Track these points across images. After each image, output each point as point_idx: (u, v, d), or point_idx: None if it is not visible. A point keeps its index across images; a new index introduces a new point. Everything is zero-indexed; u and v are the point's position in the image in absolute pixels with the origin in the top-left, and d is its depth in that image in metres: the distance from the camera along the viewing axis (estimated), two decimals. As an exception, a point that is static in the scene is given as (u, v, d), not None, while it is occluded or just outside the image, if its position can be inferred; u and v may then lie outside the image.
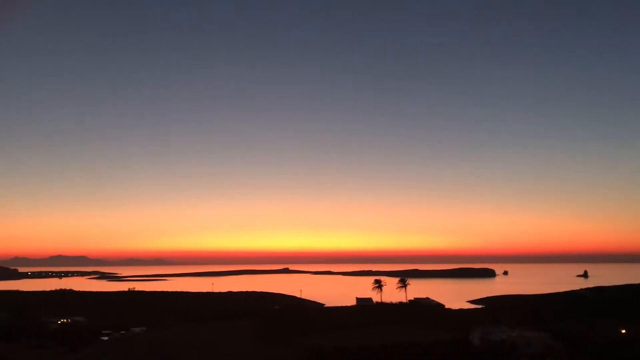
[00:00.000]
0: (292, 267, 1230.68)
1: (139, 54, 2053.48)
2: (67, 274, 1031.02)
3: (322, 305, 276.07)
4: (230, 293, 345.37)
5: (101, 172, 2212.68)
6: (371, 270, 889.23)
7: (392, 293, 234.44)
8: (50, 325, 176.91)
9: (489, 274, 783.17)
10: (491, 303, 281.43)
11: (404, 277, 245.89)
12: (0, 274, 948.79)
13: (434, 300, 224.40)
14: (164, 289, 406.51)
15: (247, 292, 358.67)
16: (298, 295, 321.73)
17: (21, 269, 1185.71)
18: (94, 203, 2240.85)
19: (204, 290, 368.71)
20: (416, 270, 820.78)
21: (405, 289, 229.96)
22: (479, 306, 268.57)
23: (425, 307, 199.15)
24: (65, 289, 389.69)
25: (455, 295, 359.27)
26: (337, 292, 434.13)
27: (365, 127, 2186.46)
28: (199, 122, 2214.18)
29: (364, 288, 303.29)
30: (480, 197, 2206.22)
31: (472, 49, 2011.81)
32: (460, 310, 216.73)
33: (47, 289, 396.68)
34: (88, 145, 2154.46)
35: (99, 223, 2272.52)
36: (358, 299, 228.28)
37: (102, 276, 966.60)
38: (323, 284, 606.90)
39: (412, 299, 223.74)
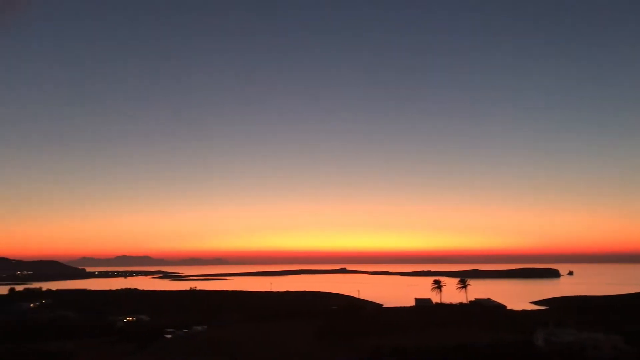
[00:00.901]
0: (349, 267, 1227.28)
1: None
2: (131, 274, 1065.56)
3: (380, 305, 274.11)
4: (288, 293, 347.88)
5: (164, 176, 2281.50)
6: (430, 271, 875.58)
7: (452, 294, 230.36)
8: (117, 323, 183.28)
9: (553, 274, 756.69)
10: (556, 304, 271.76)
11: (463, 278, 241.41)
12: (70, 274, 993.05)
13: (495, 301, 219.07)
14: (224, 288, 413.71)
15: (304, 291, 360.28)
16: (356, 296, 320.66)
17: (89, 269, 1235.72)
18: (156, 205, 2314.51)
19: (263, 290, 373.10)
20: (476, 270, 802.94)
21: (466, 289, 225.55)
22: (543, 307, 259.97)
23: (486, 308, 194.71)
24: (130, 288, 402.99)
25: (517, 296, 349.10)
26: (396, 292, 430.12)
27: (422, 128, 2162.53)
28: (259, 125, 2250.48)
29: (423, 288, 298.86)
30: (544, 196, 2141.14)
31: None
32: (523, 311, 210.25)
33: (113, 288, 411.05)
34: (152, 151, 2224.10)
35: (162, 224, 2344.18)
36: (417, 300, 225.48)
37: (165, 275, 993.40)
38: (381, 284, 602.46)
39: (473, 299, 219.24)
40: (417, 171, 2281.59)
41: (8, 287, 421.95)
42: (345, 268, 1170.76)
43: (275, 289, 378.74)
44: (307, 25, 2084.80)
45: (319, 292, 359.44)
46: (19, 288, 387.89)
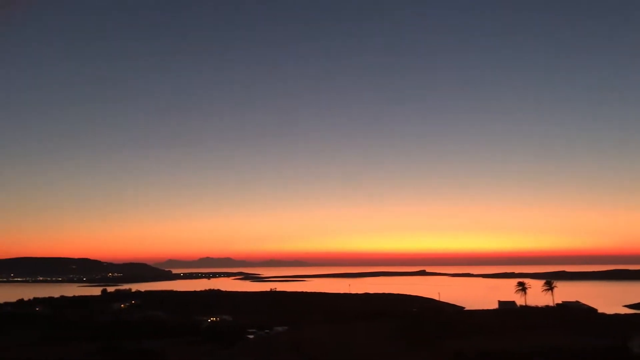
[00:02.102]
0: (429, 269, 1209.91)
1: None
2: (214, 275, 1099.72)
3: (461, 308, 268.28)
4: (367, 295, 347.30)
5: (245, 179, 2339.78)
6: (514, 273, 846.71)
7: (537, 296, 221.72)
8: (202, 323, 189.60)
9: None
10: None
11: (550, 280, 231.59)
12: (157, 275, 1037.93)
13: (584, 304, 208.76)
14: (303, 290, 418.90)
15: (383, 293, 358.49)
16: (436, 298, 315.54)
17: (174, 270, 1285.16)
18: (238, 208, 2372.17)
19: (342, 292, 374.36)
20: (563, 272, 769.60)
21: (552, 291, 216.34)
22: (639, 311, 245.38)
23: (574, 311, 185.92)
24: (213, 289, 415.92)
25: (609, 299, 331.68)
26: (478, 294, 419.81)
27: (502, 127, 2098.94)
28: (341, 128, 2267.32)
29: (506, 291, 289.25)
30: (636, 193, 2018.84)
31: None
32: (616, 315, 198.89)
33: (198, 289, 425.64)
34: (233, 155, 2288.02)
35: (243, 226, 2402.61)
36: (500, 302, 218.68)
37: (246, 277, 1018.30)
38: (462, 287, 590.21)
39: (560, 302, 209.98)
40: (499, 171, 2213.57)
41: (100, 288, 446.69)
42: (424, 270, 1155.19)
43: (354, 291, 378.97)
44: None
45: (398, 294, 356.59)
46: (111, 289, 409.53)
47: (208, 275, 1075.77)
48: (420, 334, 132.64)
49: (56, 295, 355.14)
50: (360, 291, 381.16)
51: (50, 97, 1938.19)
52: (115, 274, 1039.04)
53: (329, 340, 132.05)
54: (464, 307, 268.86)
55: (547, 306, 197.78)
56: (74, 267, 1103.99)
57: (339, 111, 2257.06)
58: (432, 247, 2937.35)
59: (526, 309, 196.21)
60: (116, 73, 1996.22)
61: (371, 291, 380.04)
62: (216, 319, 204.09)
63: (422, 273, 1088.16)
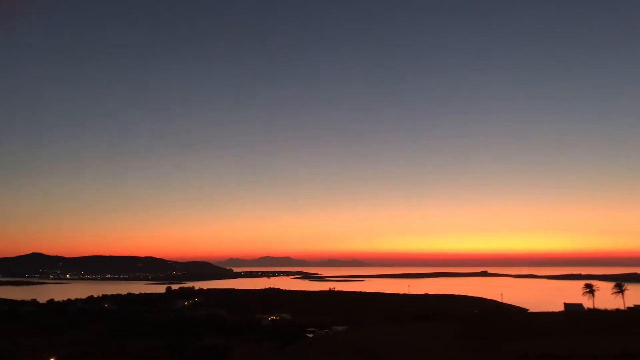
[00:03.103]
0: (491, 270, 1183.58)
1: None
2: (274, 274, 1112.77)
3: (525, 310, 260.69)
4: (427, 295, 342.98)
5: (304, 180, 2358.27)
6: (580, 274, 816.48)
7: (606, 299, 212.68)
8: (262, 321, 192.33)
9: None
10: None
11: (620, 282, 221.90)
12: (219, 274, 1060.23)
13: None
14: (362, 290, 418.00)
15: (444, 295, 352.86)
16: (499, 299, 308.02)
17: (235, 269, 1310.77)
18: (297, 208, 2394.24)
19: (401, 292, 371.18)
20: (635, 274, 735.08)
21: (623, 294, 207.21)
22: None
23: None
24: (273, 288, 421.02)
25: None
26: (542, 296, 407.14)
27: (569, 128, 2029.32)
28: (402, 126, 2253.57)
29: (572, 293, 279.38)
30: None
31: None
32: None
33: (258, 287, 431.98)
34: (294, 156, 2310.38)
35: (302, 226, 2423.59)
36: (566, 305, 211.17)
37: (305, 276, 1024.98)
38: (526, 288, 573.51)
39: (632, 305, 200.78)
40: (566, 171, 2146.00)
41: (165, 286, 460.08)
42: (486, 271, 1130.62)
43: (413, 292, 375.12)
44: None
45: (459, 295, 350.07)
46: (175, 287, 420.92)
47: (268, 274, 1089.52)
48: (482, 336, 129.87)
49: (123, 292, 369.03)
50: (420, 292, 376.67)
51: (129, 101, 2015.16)
52: (179, 272, 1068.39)
53: (389, 340, 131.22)
54: (528, 309, 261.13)
55: (617, 310, 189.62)
56: (140, 265, 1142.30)
57: (399, 114, 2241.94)
58: (494, 247, 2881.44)
59: (594, 312, 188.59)
60: (185, 74, 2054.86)
61: (431, 292, 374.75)
62: (276, 317, 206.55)
63: (484, 274, 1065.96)
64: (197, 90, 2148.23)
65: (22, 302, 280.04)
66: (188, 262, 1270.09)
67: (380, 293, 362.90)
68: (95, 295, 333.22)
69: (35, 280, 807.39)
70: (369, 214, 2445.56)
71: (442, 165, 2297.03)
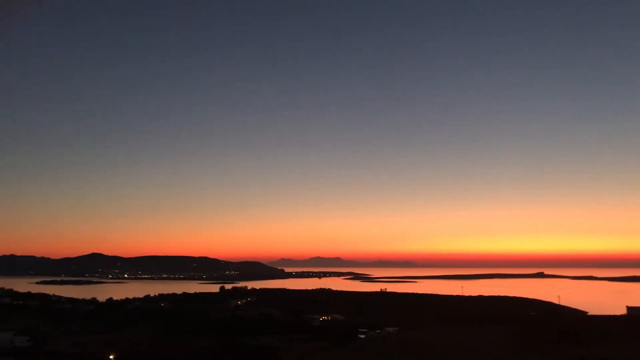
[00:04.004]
0: (547, 271, 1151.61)
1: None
2: (325, 274, 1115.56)
3: (584, 313, 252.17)
4: (480, 297, 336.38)
5: (352, 181, 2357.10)
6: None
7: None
8: (313, 321, 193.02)
9: None
10: None
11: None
12: (270, 274, 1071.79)
13: None
14: (414, 291, 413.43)
15: (498, 296, 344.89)
16: (556, 301, 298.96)
17: (286, 269, 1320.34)
18: (348, 209, 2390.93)
19: (454, 294, 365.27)
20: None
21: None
22: None
23: None
24: (324, 288, 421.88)
25: None
26: (602, 299, 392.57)
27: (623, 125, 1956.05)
28: (454, 125, 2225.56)
29: (636, 296, 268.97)
30: None
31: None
32: None
33: (309, 287, 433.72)
34: (343, 156, 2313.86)
35: (352, 227, 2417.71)
36: (629, 308, 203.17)
37: (356, 277, 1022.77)
38: (585, 290, 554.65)
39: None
40: (627, 171, 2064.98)
41: (219, 285, 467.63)
42: (542, 272, 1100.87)
43: (466, 293, 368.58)
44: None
45: (514, 297, 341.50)
46: (228, 286, 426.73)
47: (319, 275, 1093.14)
48: (538, 340, 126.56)
49: (179, 291, 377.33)
50: (474, 293, 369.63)
51: (182, 101, 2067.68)
52: (232, 272, 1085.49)
53: (441, 342, 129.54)
54: (587, 312, 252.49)
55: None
56: (194, 265, 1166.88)
57: (449, 113, 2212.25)
58: (551, 248, 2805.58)
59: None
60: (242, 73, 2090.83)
61: (485, 294, 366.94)
62: (327, 317, 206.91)
63: (540, 275, 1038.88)
64: (251, 92, 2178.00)
65: (83, 301, 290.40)
66: (241, 262, 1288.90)
67: (432, 294, 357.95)
68: (151, 295, 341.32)
69: (95, 279, 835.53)
70: (421, 214, 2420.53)
71: (497, 164, 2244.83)
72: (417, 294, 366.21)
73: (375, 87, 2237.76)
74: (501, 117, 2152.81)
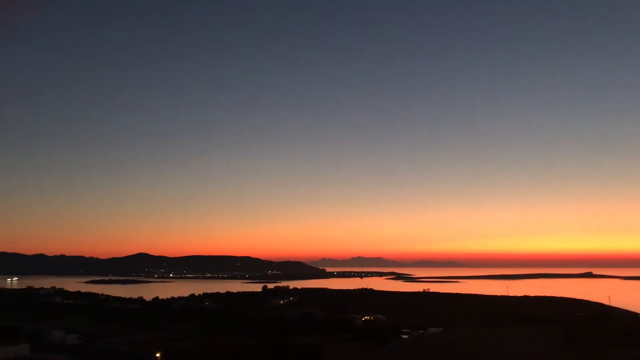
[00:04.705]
0: (596, 271, 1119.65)
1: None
2: (366, 274, 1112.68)
3: (637, 314, 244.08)
4: (526, 297, 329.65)
5: (398, 181, 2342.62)
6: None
7: None
8: (355, 321, 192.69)
9: None
10: None
11: None
12: (312, 274, 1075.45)
13: None
14: (457, 291, 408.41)
15: (545, 297, 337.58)
16: (606, 302, 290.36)
17: (328, 269, 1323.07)
18: (389, 208, 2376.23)
19: (498, 294, 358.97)
20: None
21: None
22: None
23: None
24: (366, 288, 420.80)
25: None
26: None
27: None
28: (496, 125, 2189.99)
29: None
30: None
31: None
32: None
33: (351, 287, 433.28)
34: (385, 156, 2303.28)
35: (394, 227, 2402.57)
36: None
37: (398, 277, 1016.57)
38: (637, 291, 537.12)
39: None
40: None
41: (261, 284, 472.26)
42: (591, 272, 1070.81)
43: (511, 293, 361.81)
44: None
45: (561, 297, 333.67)
46: (270, 286, 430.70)
47: (360, 275, 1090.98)
48: (587, 342, 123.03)
49: (222, 290, 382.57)
50: (519, 294, 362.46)
51: (218, 99, 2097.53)
52: (274, 272, 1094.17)
53: (486, 343, 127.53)
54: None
55: None
56: (237, 264, 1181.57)
57: (492, 113, 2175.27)
58: (599, 247, 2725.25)
59: None
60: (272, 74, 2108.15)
61: (531, 294, 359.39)
62: (370, 317, 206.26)
63: (589, 275, 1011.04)
64: (292, 88, 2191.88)
65: (130, 300, 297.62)
66: (282, 262, 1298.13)
67: (476, 294, 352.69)
68: (196, 294, 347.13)
69: (142, 279, 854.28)
70: (464, 213, 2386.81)
71: (543, 161, 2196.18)
72: (460, 294, 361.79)
73: (406, 84, 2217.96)
74: (546, 113, 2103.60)
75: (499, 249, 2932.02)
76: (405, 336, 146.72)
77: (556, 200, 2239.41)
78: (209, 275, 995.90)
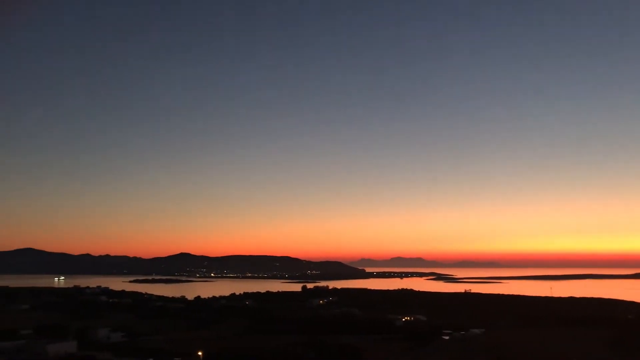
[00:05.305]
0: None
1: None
2: (406, 275, 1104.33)
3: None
4: (571, 298, 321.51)
5: (437, 179, 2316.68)
6: None
7: None
8: (396, 321, 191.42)
9: None
10: None
11: None
12: (351, 274, 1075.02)
13: None
14: (500, 292, 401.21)
15: (591, 298, 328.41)
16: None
17: (367, 269, 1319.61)
18: (429, 208, 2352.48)
19: (542, 295, 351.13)
20: None
21: None
22: None
23: None
24: (406, 289, 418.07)
25: None
26: None
27: None
28: (540, 121, 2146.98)
29: None
30: None
31: None
32: None
33: (390, 288, 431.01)
34: (423, 155, 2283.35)
35: (435, 227, 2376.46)
36: None
37: (438, 277, 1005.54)
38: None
39: None
40: None
41: (300, 284, 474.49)
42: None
43: (556, 294, 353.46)
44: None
45: (608, 299, 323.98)
46: (310, 286, 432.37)
47: (400, 275, 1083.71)
48: (636, 344, 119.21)
49: (262, 290, 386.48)
50: (564, 295, 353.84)
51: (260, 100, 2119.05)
52: (313, 272, 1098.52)
53: (530, 345, 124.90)
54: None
55: None
56: (277, 264, 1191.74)
57: (541, 110, 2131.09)
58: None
59: None
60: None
61: (577, 295, 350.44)
62: (410, 318, 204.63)
63: (639, 276, 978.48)
64: (342, 88, 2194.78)
65: (173, 299, 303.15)
66: (321, 262, 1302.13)
67: (519, 295, 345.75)
68: (237, 293, 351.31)
69: (184, 278, 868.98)
70: (507, 212, 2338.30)
71: (590, 159, 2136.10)
72: (503, 295, 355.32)
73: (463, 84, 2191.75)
74: (593, 111, 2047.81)
75: (543, 249, 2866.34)
76: (447, 337, 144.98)
77: (604, 198, 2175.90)
78: (249, 275, 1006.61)
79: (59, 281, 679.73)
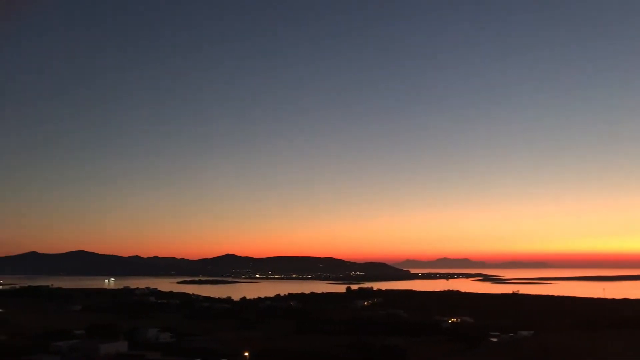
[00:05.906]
0: None
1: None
2: (452, 276, 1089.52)
3: None
4: (626, 300, 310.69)
5: (481, 179, 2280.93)
6: None
7: None
8: (442, 323, 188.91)
9: None
10: None
11: None
12: (396, 275, 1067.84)
13: None
14: (549, 293, 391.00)
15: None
16: None
17: (412, 270, 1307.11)
18: (474, 207, 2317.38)
19: (594, 296, 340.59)
20: None
21: None
22: None
23: None
24: (452, 290, 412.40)
25: None
26: None
27: None
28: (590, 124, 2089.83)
29: None
30: None
31: None
32: None
33: (436, 289, 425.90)
34: (463, 154, 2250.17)
35: (482, 226, 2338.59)
36: None
37: (486, 278, 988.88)
38: None
39: None
40: None
41: (345, 285, 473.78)
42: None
43: (609, 296, 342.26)
44: None
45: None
46: (354, 287, 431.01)
47: (446, 276, 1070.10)
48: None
49: (307, 291, 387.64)
50: (618, 296, 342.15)
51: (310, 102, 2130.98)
52: (357, 273, 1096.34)
53: (582, 347, 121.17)
54: None
55: None
56: (321, 265, 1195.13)
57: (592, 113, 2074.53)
58: None
59: None
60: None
61: (631, 296, 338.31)
62: (457, 319, 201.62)
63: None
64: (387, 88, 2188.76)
65: (219, 300, 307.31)
66: (366, 263, 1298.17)
67: (570, 297, 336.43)
68: (282, 294, 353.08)
69: (229, 279, 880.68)
70: (557, 211, 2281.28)
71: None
72: (553, 296, 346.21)
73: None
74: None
75: (594, 249, 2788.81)
76: (495, 339, 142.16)
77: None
78: (294, 275, 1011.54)
79: (110, 282, 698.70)
